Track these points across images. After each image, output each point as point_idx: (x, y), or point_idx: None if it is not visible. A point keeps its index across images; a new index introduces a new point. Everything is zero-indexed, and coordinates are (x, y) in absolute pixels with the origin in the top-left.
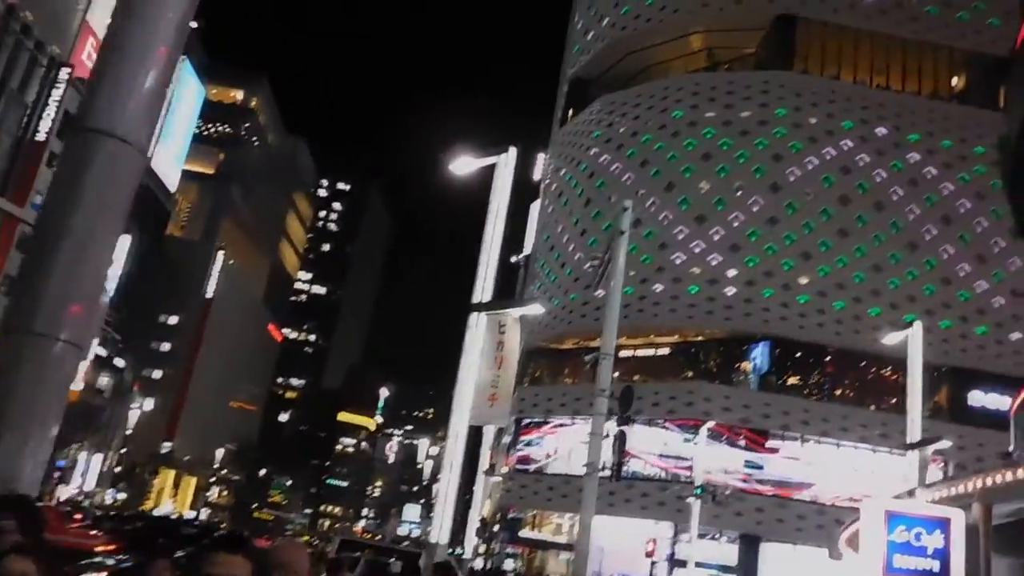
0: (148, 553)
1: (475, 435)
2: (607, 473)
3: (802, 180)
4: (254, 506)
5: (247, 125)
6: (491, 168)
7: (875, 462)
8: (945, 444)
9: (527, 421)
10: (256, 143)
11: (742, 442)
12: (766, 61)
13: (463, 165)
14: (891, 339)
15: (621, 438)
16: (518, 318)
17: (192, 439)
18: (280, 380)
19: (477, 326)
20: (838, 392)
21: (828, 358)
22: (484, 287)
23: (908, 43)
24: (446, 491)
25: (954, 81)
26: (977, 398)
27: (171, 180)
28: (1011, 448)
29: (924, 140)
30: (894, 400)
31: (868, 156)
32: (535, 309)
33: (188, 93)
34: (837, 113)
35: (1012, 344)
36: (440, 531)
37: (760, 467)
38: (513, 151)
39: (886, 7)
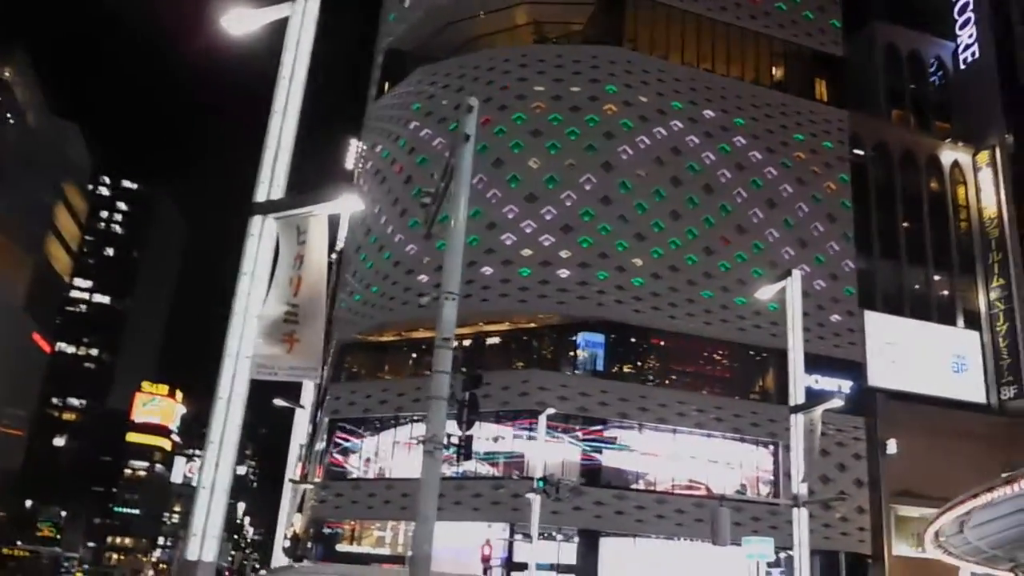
0: None
1: (281, 438)
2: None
3: (634, 159)
4: (18, 543)
5: None
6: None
7: (710, 448)
8: (837, 403)
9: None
10: (12, 122)
11: (579, 432)
12: (594, 38)
13: (239, 21)
14: (764, 293)
15: (471, 404)
16: (325, 221)
17: None
18: (56, 401)
19: (261, 235)
20: (674, 377)
21: (663, 342)
22: (273, 181)
23: (732, 28)
24: (211, 482)
25: (774, 70)
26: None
27: None
28: None
29: (748, 125)
30: (727, 385)
31: (697, 138)
32: (350, 204)
33: None
34: (667, 93)
35: (832, 326)
36: (203, 542)
37: (599, 454)
38: None
39: None
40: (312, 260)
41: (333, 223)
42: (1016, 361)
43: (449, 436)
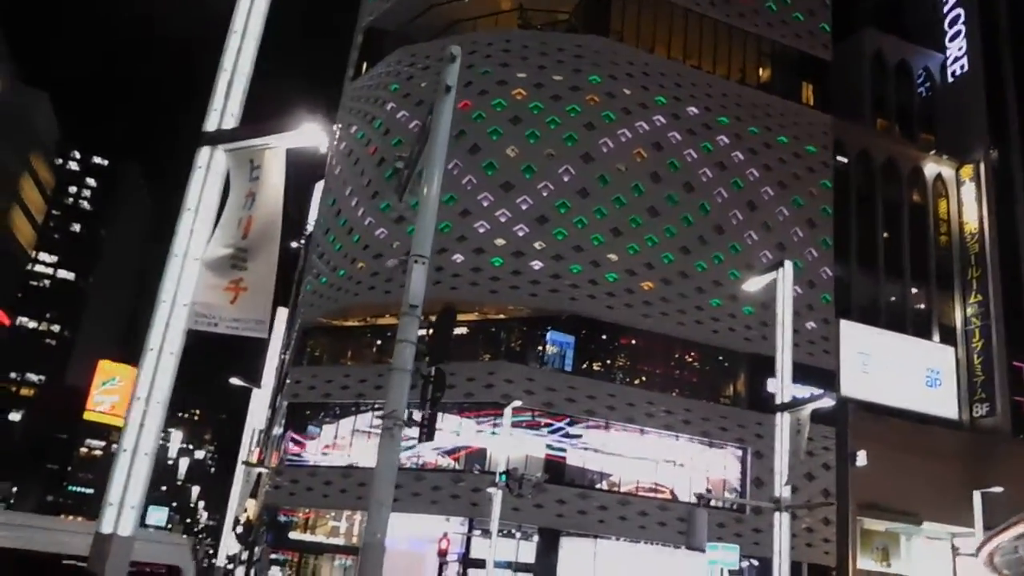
0: None
1: (242, 424)
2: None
3: (615, 152)
4: None
5: None
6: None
7: (677, 450)
8: (828, 402)
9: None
10: None
11: (544, 428)
12: (580, 29)
13: None
14: (753, 285)
15: (438, 380)
16: (283, 157)
17: None
18: (13, 375)
19: (209, 168)
20: (644, 377)
21: (634, 341)
22: (226, 109)
23: (720, 26)
24: (134, 445)
25: (760, 70)
26: (773, 385)
27: None
28: None
29: (732, 124)
30: (697, 387)
31: (679, 135)
32: (314, 137)
33: None
34: (651, 87)
35: (807, 333)
36: (120, 512)
37: (563, 451)
38: None
39: None
40: (266, 199)
41: (300, 186)
42: (990, 379)
43: (411, 414)
